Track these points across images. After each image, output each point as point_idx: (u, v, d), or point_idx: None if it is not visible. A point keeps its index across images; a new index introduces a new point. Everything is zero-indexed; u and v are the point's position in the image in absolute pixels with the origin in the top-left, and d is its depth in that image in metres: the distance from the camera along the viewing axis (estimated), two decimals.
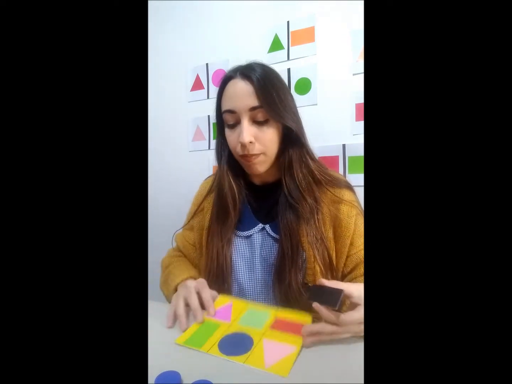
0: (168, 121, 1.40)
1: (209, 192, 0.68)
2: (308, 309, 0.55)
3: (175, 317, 0.49)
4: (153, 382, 0.32)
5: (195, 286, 0.52)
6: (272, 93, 0.55)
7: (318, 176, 0.59)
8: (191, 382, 0.32)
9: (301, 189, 0.57)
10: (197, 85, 1.33)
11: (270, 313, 0.48)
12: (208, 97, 1.30)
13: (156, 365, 0.34)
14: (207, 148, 1.31)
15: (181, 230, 0.74)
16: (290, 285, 0.54)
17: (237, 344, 0.41)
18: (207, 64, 1.30)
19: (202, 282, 0.53)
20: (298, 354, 0.38)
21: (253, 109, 0.54)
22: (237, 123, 0.56)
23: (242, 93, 0.54)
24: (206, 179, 0.75)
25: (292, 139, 0.58)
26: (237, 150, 0.57)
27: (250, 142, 0.54)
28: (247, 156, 0.56)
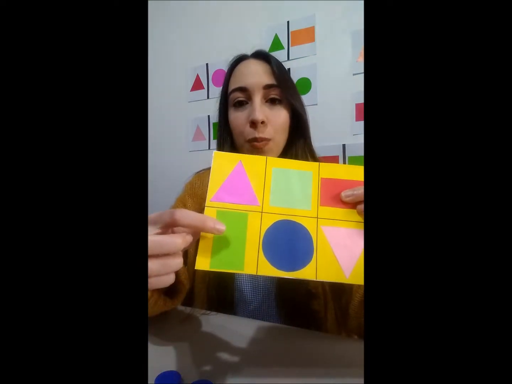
0: (168, 121, 1.40)
1: None
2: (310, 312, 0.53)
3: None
4: (153, 382, 0.32)
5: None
6: (286, 76, 0.54)
7: None
8: (191, 382, 0.32)
9: None
10: (197, 85, 1.33)
11: (311, 172, 0.32)
12: (208, 97, 1.30)
13: (156, 365, 0.34)
14: (207, 148, 1.31)
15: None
16: (295, 297, 0.52)
17: (291, 246, 0.27)
18: (207, 64, 1.30)
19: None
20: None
21: (267, 87, 0.51)
22: (246, 102, 0.53)
23: (257, 71, 0.52)
24: (199, 172, 0.68)
25: (299, 131, 0.56)
26: (245, 132, 0.52)
27: (262, 122, 0.50)
28: (256, 141, 0.51)
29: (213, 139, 1.30)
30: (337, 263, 0.27)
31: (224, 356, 0.39)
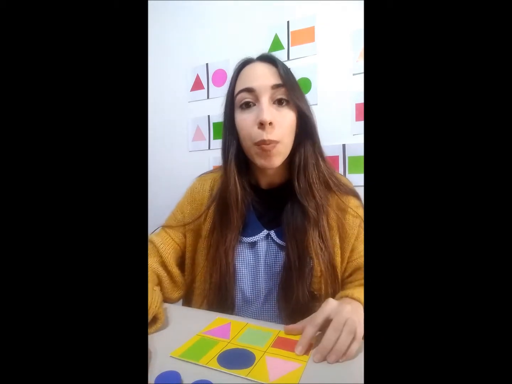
0: (168, 121, 1.40)
1: (208, 207, 0.61)
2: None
3: None
4: (153, 382, 0.32)
5: None
6: (292, 78, 0.55)
7: (327, 177, 0.56)
8: (191, 382, 0.32)
9: (313, 188, 0.54)
10: (197, 85, 1.33)
11: (272, 332, 0.45)
12: (208, 97, 1.30)
13: (156, 365, 0.34)
14: (207, 148, 1.31)
15: (159, 229, 0.64)
16: (297, 299, 0.52)
17: (237, 358, 0.38)
18: (207, 64, 1.30)
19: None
20: (304, 370, 0.36)
21: (275, 86, 0.52)
22: (253, 104, 0.52)
23: (264, 73, 0.53)
24: (201, 176, 0.68)
25: (307, 133, 0.56)
26: (253, 135, 0.51)
27: (270, 123, 0.50)
28: (264, 143, 0.51)
29: (213, 139, 1.30)
30: (266, 371, 0.36)
31: None
